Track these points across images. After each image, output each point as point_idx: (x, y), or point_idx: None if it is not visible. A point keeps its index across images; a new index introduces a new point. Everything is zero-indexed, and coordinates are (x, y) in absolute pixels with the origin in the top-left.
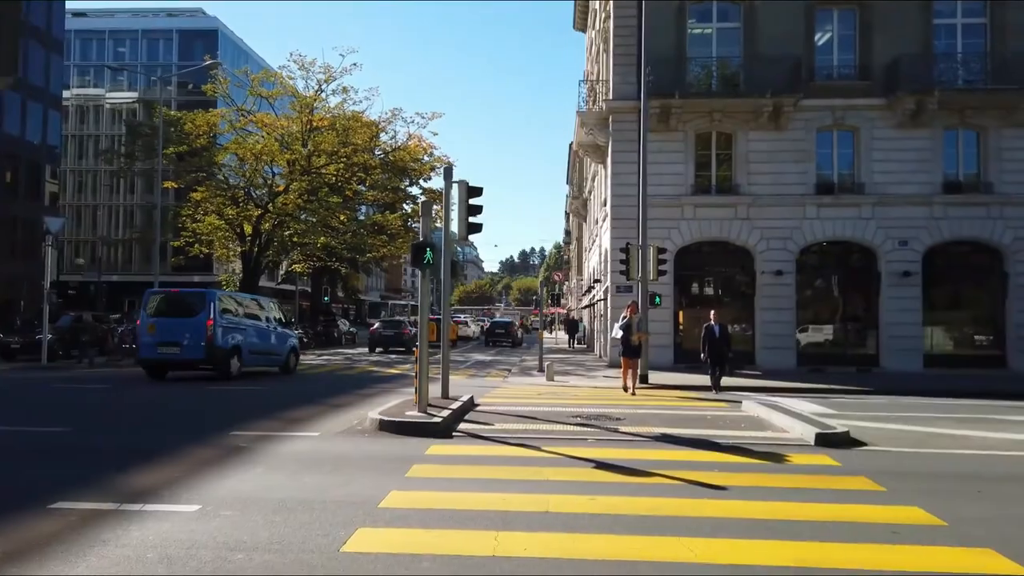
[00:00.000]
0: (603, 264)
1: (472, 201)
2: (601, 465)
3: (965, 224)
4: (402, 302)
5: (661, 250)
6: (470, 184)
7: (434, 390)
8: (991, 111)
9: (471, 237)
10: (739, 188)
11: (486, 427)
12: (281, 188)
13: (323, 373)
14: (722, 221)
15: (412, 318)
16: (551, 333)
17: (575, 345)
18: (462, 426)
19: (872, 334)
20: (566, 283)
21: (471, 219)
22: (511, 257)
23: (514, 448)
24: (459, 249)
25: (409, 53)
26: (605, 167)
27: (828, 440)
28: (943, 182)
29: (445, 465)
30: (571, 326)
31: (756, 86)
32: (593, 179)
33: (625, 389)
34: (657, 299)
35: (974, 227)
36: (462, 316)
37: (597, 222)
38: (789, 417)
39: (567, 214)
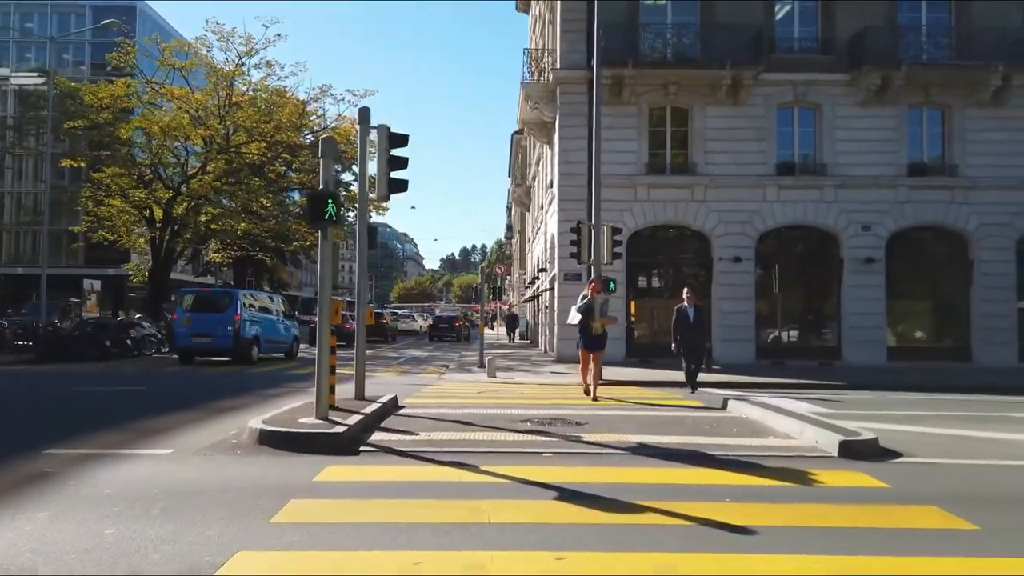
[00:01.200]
0: (548, 251)
1: (395, 152)
2: (567, 494)
3: (930, 208)
4: (338, 297)
5: (616, 230)
6: (393, 131)
7: (348, 390)
8: (956, 89)
9: (409, 233)
10: (696, 168)
11: (408, 437)
12: (197, 169)
13: (235, 371)
14: (677, 203)
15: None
16: (492, 329)
17: (515, 340)
18: (376, 436)
19: (833, 325)
20: (508, 277)
21: (394, 174)
22: (452, 254)
23: (442, 469)
24: (390, 231)
25: (345, 47)
26: (551, 146)
27: (855, 450)
28: (907, 164)
29: (337, 500)
30: (511, 320)
31: (714, 57)
32: (538, 163)
33: (586, 392)
34: (612, 285)
35: (938, 212)
36: (402, 311)
37: (542, 207)
38: (791, 419)
39: (509, 208)
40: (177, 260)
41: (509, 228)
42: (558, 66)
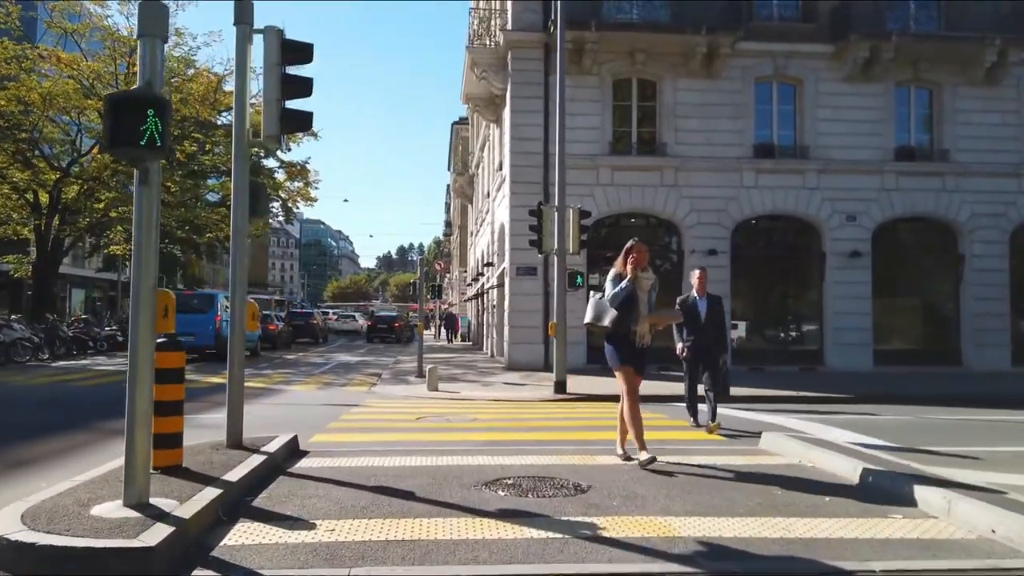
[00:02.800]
0: (497, 243)
1: (292, 70)
2: None
3: (919, 197)
4: (266, 296)
5: (584, 213)
6: (290, 38)
7: (224, 427)
8: (947, 65)
9: (344, 230)
10: (665, 148)
11: (294, 538)
12: (93, 148)
13: (106, 384)
14: (645, 188)
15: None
16: (430, 329)
17: (453, 341)
18: (236, 537)
19: (815, 326)
20: (447, 275)
21: (290, 103)
22: (389, 252)
23: None
24: (324, 228)
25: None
26: (500, 124)
27: None
28: (895, 148)
29: None
30: (450, 321)
31: (687, 22)
32: (483, 148)
33: (627, 457)
34: (579, 279)
35: (928, 201)
36: (335, 311)
37: (488, 195)
38: (868, 467)
39: (447, 204)
40: (68, 252)
41: (448, 224)
42: (509, 27)
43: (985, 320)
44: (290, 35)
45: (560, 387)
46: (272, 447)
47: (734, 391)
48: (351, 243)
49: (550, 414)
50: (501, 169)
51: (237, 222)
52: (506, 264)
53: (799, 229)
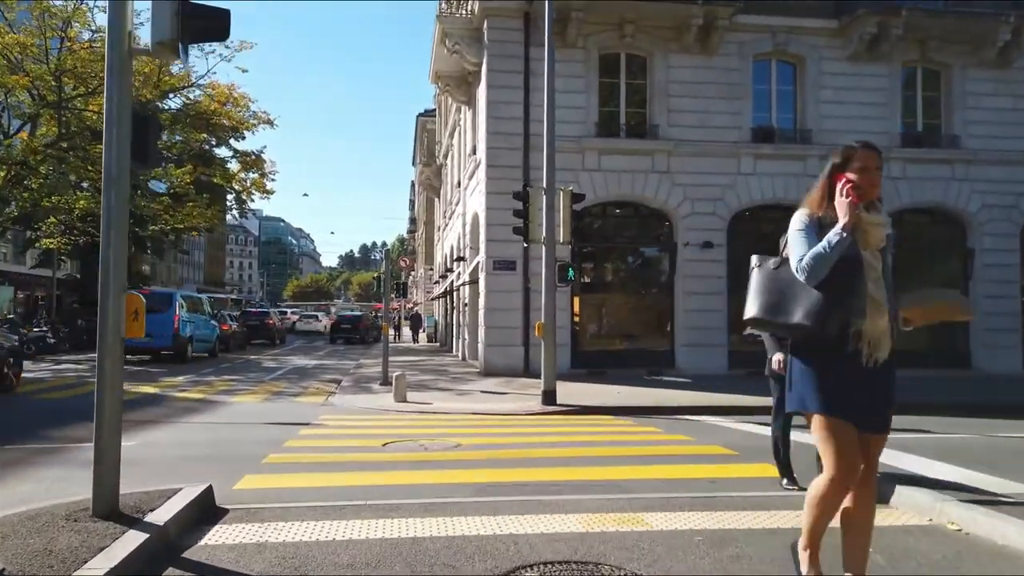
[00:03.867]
0: (469, 236)
1: None
2: None
3: (928, 187)
4: (222, 295)
5: (577, 196)
6: None
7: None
8: (957, 45)
9: (305, 228)
10: (657, 131)
11: None
12: (25, 130)
13: (41, 399)
14: (635, 175)
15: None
16: (396, 330)
17: (418, 340)
18: None
19: None
20: (412, 273)
21: None
22: (351, 251)
23: None
24: (284, 225)
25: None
26: (474, 104)
27: None
28: (901, 133)
29: None
30: (415, 320)
31: None
32: (453, 135)
33: (853, 563)
34: (570, 272)
35: (936, 190)
36: (294, 310)
37: (459, 185)
38: None
39: (411, 201)
40: None
41: (412, 221)
42: None
43: (996, 320)
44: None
45: (549, 397)
46: (166, 512)
47: (744, 401)
48: (312, 241)
49: (546, 433)
50: (475, 154)
51: (112, 168)
52: (481, 258)
53: None
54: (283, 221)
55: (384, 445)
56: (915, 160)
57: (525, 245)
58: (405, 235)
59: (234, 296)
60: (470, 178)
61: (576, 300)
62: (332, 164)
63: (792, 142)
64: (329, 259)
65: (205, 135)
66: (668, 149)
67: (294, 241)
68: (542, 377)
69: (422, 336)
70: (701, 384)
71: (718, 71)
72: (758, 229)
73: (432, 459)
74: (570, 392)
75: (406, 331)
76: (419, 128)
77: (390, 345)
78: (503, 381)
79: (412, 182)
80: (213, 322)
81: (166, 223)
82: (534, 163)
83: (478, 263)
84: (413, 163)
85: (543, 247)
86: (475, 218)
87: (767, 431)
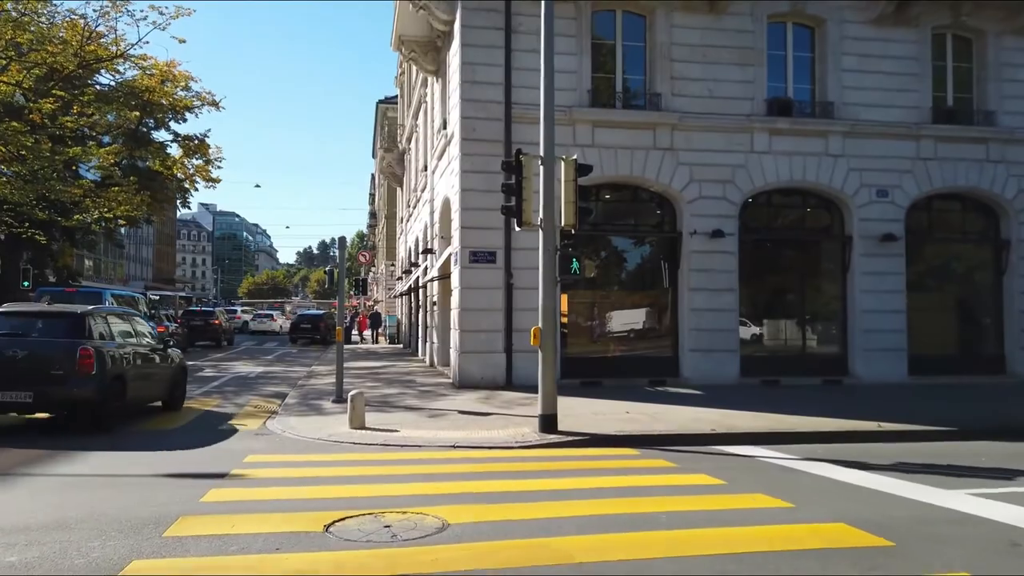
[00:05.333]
0: (439, 224)
1: None
2: None
3: (960, 168)
4: (170, 292)
5: (583, 167)
6: None
7: None
8: (991, 10)
9: (261, 224)
10: (659, 100)
11: None
12: None
13: None
14: (634, 151)
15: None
16: (358, 334)
17: (377, 341)
18: None
19: (838, 326)
20: (372, 269)
21: None
22: (310, 247)
23: None
24: (239, 220)
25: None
26: (445, 71)
27: None
28: (932, 108)
29: None
30: (375, 319)
31: None
32: (418, 114)
33: None
34: (575, 265)
35: (971, 173)
36: (243, 308)
37: (426, 168)
38: None
39: (372, 196)
40: None
41: (373, 215)
42: None
43: None
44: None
45: (548, 423)
46: None
47: (790, 424)
48: (269, 237)
49: (567, 494)
50: (445, 127)
51: None
52: (454, 249)
53: (818, 205)
54: (238, 216)
55: (327, 529)
56: (946, 138)
57: (517, 228)
58: (365, 230)
59: (183, 294)
60: (439, 158)
61: (564, 298)
62: (287, 156)
63: (812, 116)
64: (287, 255)
65: (138, 113)
66: (672, 122)
67: (250, 237)
68: (539, 395)
69: (381, 338)
70: (717, 398)
71: (729, 33)
72: (773, 216)
73: (404, 565)
74: (567, 411)
75: (366, 333)
76: (379, 116)
77: (348, 347)
78: (482, 396)
79: (372, 175)
80: (151, 323)
81: (88, 210)
82: (517, 137)
83: (450, 255)
84: (373, 155)
85: (540, 232)
86: (446, 203)
87: (886, 484)
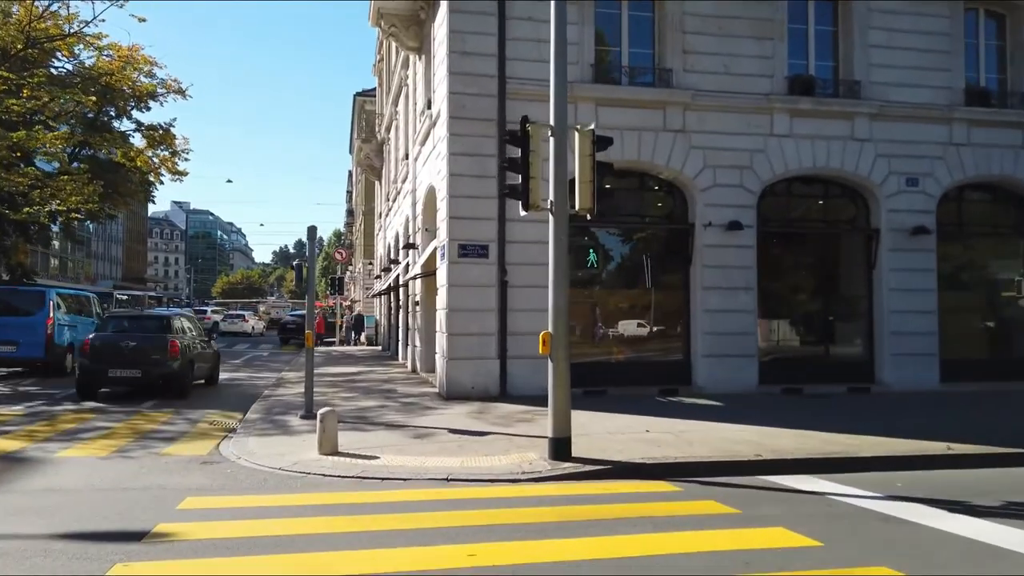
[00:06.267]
0: (422, 216)
1: None
2: None
3: (994, 156)
4: (139, 292)
5: (602, 140)
6: None
7: None
8: None
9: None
10: (670, 77)
11: None
12: None
13: None
14: (642, 134)
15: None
16: (342, 332)
17: (358, 342)
18: None
19: (863, 328)
20: (350, 268)
21: None
22: (286, 246)
23: None
24: (213, 219)
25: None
26: (428, 47)
27: None
28: (964, 89)
29: None
30: (358, 322)
31: None
32: (397, 101)
33: None
34: (592, 257)
35: (1006, 160)
36: (212, 308)
37: (407, 157)
38: None
39: (349, 193)
40: None
41: (350, 213)
42: None
43: None
44: None
45: (560, 449)
46: None
47: (801, 436)
48: (244, 236)
49: (607, 558)
50: (430, 107)
51: None
52: (441, 242)
53: (842, 194)
54: (212, 215)
55: None
56: (980, 122)
57: (523, 213)
58: (342, 229)
59: (154, 293)
60: (422, 143)
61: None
62: (262, 154)
63: (836, 96)
64: (263, 255)
65: (96, 99)
66: (684, 101)
67: (224, 236)
68: (550, 414)
69: (363, 338)
70: (740, 410)
71: (745, 2)
72: (792, 207)
73: None
74: (577, 429)
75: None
76: (357, 109)
77: (323, 349)
78: (474, 410)
79: (349, 172)
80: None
81: (36, 202)
82: (512, 115)
83: (436, 249)
84: (350, 150)
85: (551, 218)
86: (430, 192)
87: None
